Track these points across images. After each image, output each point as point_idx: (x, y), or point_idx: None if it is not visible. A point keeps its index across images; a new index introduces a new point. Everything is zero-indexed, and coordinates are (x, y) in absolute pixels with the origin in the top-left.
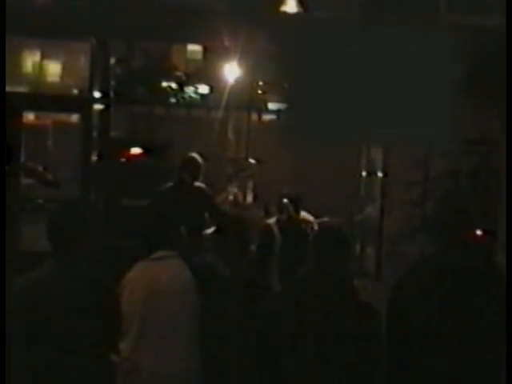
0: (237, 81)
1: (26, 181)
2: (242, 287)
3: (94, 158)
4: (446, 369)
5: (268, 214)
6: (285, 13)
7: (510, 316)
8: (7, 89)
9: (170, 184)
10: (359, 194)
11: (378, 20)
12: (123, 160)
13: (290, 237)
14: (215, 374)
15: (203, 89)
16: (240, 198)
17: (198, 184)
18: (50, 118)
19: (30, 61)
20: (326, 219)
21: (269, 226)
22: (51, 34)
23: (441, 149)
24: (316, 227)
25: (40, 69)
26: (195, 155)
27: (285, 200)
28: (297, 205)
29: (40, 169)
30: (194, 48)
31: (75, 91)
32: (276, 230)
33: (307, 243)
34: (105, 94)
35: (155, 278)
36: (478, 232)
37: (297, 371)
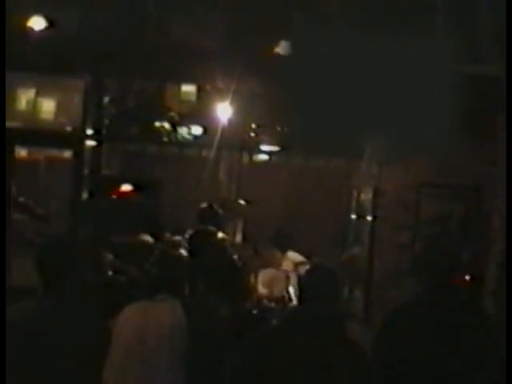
0: (230, 122)
1: (16, 215)
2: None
3: (85, 194)
4: None
5: (257, 254)
6: (278, 54)
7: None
8: None
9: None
10: (348, 237)
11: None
12: (113, 197)
13: None
14: None
15: (196, 130)
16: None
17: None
18: (42, 154)
19: (24, 97)
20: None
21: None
22: (46, 70)
23: (431, 192)
24: (306, 267)
25: (34, 105)
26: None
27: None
28: (288, 244)
29: (31, 203)
30: (188, 88)
31: (68, 128)
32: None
33: None
34: (97, 132)
35: (146, 318)
36: (466, 277)
37: None
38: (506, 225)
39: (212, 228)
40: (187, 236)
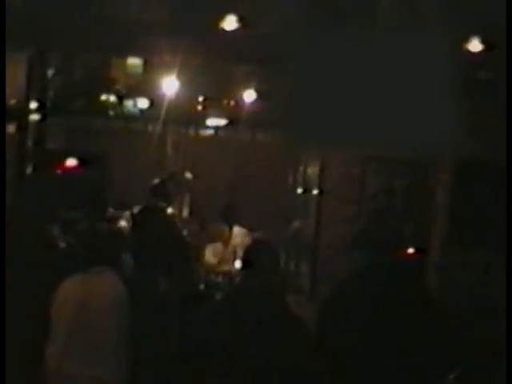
0: (177, 95)
1: None
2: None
3: (29, 169)
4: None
5: (203, 229)
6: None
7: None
8: None
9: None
10: (294, 211)
11: None
12: (59, 172)
13: None
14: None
15: (143, 103)
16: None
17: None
18: None
19: None
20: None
21: None
22: None
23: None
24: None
25: None
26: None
27: None
28: (236, 219)
29: None
30: (134, 61)
31: (12, 101)
32: None
33: None
34: (42, 105)
35: (86, 291)
36: (410, 250)
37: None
38: (449, 198)
39: (162, 203)
40: (135, 211)
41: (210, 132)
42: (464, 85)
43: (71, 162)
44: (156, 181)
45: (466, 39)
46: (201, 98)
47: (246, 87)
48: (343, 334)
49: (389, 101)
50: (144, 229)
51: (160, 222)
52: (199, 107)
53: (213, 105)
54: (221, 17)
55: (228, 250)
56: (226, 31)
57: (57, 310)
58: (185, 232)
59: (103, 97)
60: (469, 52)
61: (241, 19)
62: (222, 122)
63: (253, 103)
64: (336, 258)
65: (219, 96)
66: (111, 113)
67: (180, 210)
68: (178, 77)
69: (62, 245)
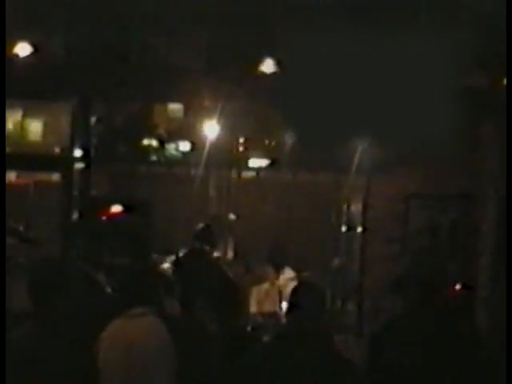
0: (217, 138)
1: (7, 240)
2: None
3: (75, 216)
4: None
5: (249, 271)
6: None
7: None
8: None
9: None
10: (339, 249)
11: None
12: (104, 218)
13: None
14: None
15: (184, 146)
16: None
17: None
18: (31, 177)
19: (12, 120)
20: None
21: None
22: (33, 93)
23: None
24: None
25: (22, 128)
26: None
27: None
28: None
29: (21, 228)
30: (175, 106)
31: (56, 150)
32: None
33: None
34: (86, 153)
35: (131, 336)
36: (457, 287)
37: None
38: (495, 232)
39: (206, 247)
40: (181, 254)
41: (252, 174)
42: None
43: (116, 208)
44: (200, 225)
45: None
46: (241, 140)
47: (287, 128)
48: (392, 374)
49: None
50: (189, 272)
51: (205, 265)
52: (240, 148)
53: (254, 146)
54: (259, 60)
55: (274, 292)
56: (265, 74)
57: (103, 359)
58: (230, 274)
59: (145, 142)
60: None
61: (278, 62)
62: (264, 162)
63: (294, 143)
64: (382, 296)
65: (260, 137)
66: (153, 158)
67: (224, 253)
68: (219, 120)
69: (108, 290)
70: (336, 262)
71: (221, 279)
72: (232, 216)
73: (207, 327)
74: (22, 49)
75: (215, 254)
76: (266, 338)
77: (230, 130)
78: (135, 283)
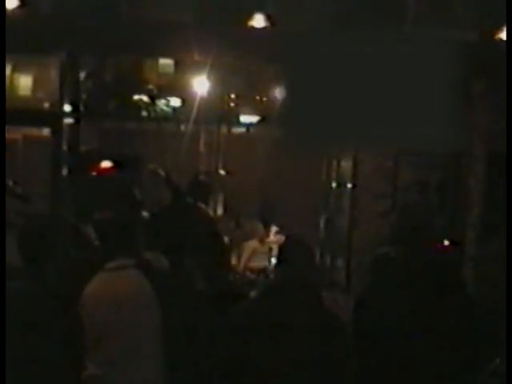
0: (208, 93)
1: None
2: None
3: (65, 172)
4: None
5: (239, 227)
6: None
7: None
8: None
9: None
10: (329, 206)
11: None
12: (94, 174)
13: None
14: None
15: (175, 102)
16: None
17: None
18: (20, 132)
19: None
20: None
21: None
22: (22, 48)
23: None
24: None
25: (11, 83)
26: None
27: None
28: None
29: (10, 183)
30: (166, 61)
31: (46, 105)
32: None
33: None
34: (75, 108)
35: (115, 290)
36: (445, 243)
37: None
38: (483, 189)
39: (197, 201)
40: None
41: (242, 130)
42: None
43: (106, 163)
44: (190, 179)
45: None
46: (232, 95)
47: (278, 84)
48: (379, 327)
49: (416, 95)
50: (175, 224)
51: (193, 219)
52: (231, 104)
53: (245, 102)
54: (248, 15)
55: (264, 248)
56: (255, 29)
57: (89, 315)
58: (221, 230)
59: (135, 97)
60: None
61: (268, 17)
62: (255, 118)
63: (285, 99)
64: (370, 252)
65: (251, 93)
66: (144, 113)
67: (215, 208)
68: (209, 76)
69: (96, 244)
70: (325, 217)
71: (209, 234)
72: (222, 172)
73: (194, 282)
74: (9, 1)
75: (204, 208)
76: (254, 294)
77: (221, 85)
78: (116, 234)
